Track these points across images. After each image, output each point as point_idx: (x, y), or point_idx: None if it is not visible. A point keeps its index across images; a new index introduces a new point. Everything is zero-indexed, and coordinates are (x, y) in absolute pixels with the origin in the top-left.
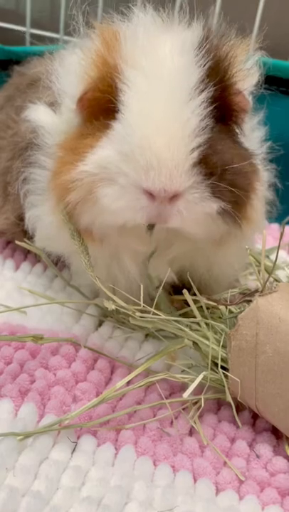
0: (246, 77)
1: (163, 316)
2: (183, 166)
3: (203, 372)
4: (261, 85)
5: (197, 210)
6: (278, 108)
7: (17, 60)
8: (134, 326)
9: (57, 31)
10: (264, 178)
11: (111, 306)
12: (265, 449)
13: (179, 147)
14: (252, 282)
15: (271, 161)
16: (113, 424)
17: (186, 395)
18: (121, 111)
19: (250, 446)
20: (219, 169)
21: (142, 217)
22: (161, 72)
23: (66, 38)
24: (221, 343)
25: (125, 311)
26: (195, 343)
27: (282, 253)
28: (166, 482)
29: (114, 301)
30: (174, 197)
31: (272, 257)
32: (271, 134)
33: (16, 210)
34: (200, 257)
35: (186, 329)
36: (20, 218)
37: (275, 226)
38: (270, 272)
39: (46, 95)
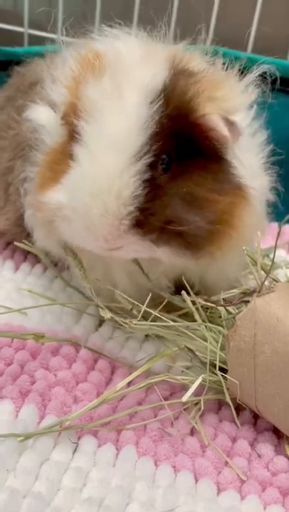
0: (236, 104)
1: (159, 323)
2: (116, 232)
3: (202, 375)
4: (267, 93)
5: (142, 255)
6: (277, 105)
7: (17, 61)
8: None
9: (55, 32)
10: (264, 183)
11: (107, 315)
12: (266, 448)
13: (111, 216)
14: (252, 282)
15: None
16: (114, 424)
17: (185, 398)
18: (75, 158)
19: (252, 445)
20: (158, 227)
21: (99, 253)
22: (111, 128)
23: (64, 38)
24: (219, 345)
25: (122, 320)
26: (191, 349)
27: (282, 252)
28: (168, 482)
29: (110, 308)
30: (114, 248)
31: (272, 255)
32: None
33: (17, 210)
34: (194, 268)
35: (186, 332)
36: (22, 219)
37: (275, 225)
38: (267, 271)
39: (46, 95)
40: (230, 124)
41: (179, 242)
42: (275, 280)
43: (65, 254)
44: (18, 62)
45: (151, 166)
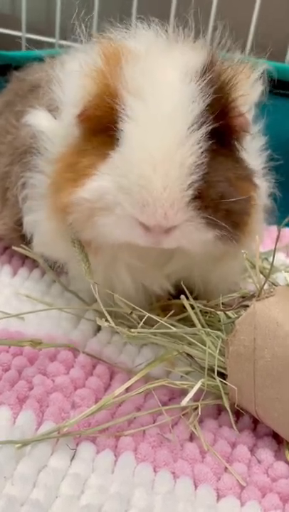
0: (248, 98)
1: (157, 330)
2: (178, 204)
3: (201, 380)
4: (265, 93)
5: (193, 238)
6: (275, 108)
7: (15, 65)
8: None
9: (53, 36)
10: (262, 188)
11: (103, 324)
12: (266, 453)
13: (174, 186)
14: (251, 285)
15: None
16: (112, 430)
17: (184, 403)
18: (120, 141)
19: (251, 451)
20: (214, 202)
21: (139, 243)
22: (161, 104)
23: (62, 42)
24: (218, 350)
25: (120, 328)
26: (190, 355)
27: (281, 256)
28: (167, 489)
29: (109, 312)
30: (169, 229)
31: (271, 259)
32: (268, 135)
33: (14, 215)
34: (198, 270)
35: (185, 336)
36: (19, 224)
37: (274, 228)
38: (266, 275)
39: (47, 100)
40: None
41: (227, 222)
42: (274, 284)
43: (72, 246)
44: (16, 67)
45: (209, 137)
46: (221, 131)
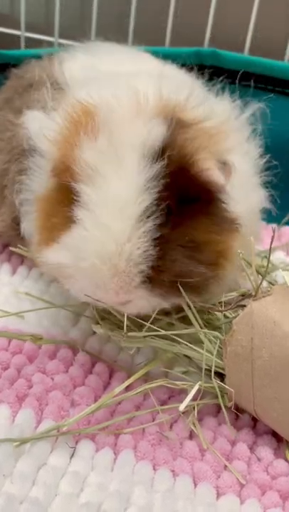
0: (221, 155)
1: (154, 332)
2: (127, 288)
3: (199, 383)
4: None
5: (149, 307)
6: (273, 107)
7: (14, 64)
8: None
9: (52, 35)
10: (260, 196)
11: (99, 331)
12: (265, 451)
13: (122, 276)
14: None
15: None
16: (112, 428)
17: (182, 407)
18: (77, 221)
19: (251, 449)
20: (169, 282)
21: (109, 305)
22: (113, 191)
23: (61, 41)
24: (216, 351)
25: (114, 335)
26: (187, 356)
27: (281, 254)
28: (166, 487)
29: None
30: (123, 303)
31: (271, 257)
32: (266, 133)
33: (12, 212)
34: None
35: (182, 342)
36: (17, 222)
37: (275, 227)
38: (263, 274)
39: (45, 99)
40: (225, 165)
41: (187, 292)
42: (271, 283)
43: None
44: (15, 65)
45: (159, 224)
46: (184, 196)
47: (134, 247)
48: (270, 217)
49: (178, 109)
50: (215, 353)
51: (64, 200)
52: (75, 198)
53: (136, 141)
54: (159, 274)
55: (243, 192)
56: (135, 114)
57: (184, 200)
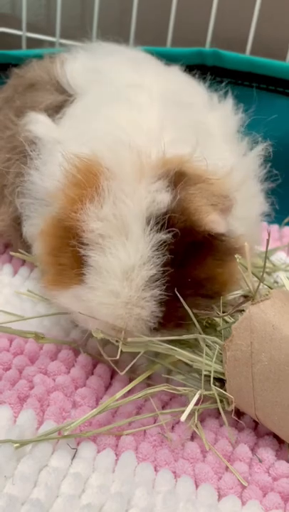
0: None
1: (154, 338)
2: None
3: (199, 391)
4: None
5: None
6: (277, 107)
7: (15, 64)
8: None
9: (53, 35)
10: (260, 204)
11: (99, 335)
12: (267, 453)
13: (135, 331)
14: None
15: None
16: (113, 430)
17: (183, 417)
18: (87, 280)
19: (253, 450)
20: (175, 323)
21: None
22: (120, 258)
23: (62, 41)
24: (215, 357)
25: (113, 339)
26: (187, 364)
27: (282, 255)
28: (168, 488)
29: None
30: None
31: (273, 258)
32: (264, 134)
33: (12, 212)
34: None
35: (182, 351)
36: (18, 222)
37: (276, 227)
38: (260, 278)
39: (46, 99)
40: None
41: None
42: (270, 287)
43: None
44: (17, 65)
45: (166, 288)
46: (187, 246)
47: (142, 310)
48: (270, 218)
49: (181, 164)
50: (214, 358)
51: (70, 238)
52: (83, 255)
53: (140, 209)
54: (166, 322)
55: (243, 205)
56: (138, 178)
57: (187, 245)
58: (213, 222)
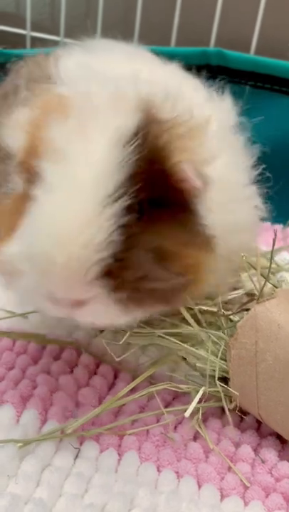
0: (200, 155)
1: (157, 331)
2: (80, 280)
3: (202, 389)
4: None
5: (105, 317)
6: (278, 107)
7: None
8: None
9: (57, 34)
10: (251, 207)
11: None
12: (270, 453)
13: (76, 264)
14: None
15: (270, 162)
16: (116, 429)
17: (187, 413)
18: (33, 207)
19: (255, 450)
20: (132, 283)
21: (50, 314)
22: (78, 174)
23: (67, 40)
24: (220, 354)
25: (118, 330)
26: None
27: (285, 255)
28: (170, 488)
29: None
30: (77, 303)
31: (277, 258)
32: (268, 134)
33: None
34: None
35: (186, 346)
36: None
37: (278, 227)
38: (266, 277)
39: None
40: (202, 176)
41: (149, 301)
42: (275, 286)
43: None
44: None
45: (128, 211)
46: (157, 197)
47: (98, 229)
48: (273, 218)
49: (155, 108)
50: (219, 355)
51: (26, 198)
52: (36, 180)
53: (108, 126)
54: (122, 271)
55: (225, 206)
56: (111, 105)
57: (156, 202)
58: (186, 171)
